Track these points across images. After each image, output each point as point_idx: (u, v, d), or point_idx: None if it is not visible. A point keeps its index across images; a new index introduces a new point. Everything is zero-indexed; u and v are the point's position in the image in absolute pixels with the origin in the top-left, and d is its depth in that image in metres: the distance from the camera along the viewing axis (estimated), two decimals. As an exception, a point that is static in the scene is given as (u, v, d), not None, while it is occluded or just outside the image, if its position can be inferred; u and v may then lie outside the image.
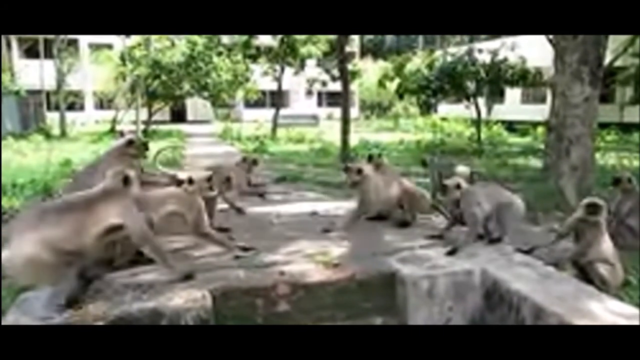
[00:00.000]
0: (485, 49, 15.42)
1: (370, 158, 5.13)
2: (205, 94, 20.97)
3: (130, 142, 4.07)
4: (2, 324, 2.69)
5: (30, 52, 29.45)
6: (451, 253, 3.80)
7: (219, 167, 5.02)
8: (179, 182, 3.64)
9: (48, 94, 25.60)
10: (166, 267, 3.19)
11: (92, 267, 3.16)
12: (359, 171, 4.54)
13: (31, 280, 2.86)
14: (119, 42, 22.69)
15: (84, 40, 30.90)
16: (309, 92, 32.11)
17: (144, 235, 3.06)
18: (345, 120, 11.54)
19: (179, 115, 34.67)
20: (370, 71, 34.44)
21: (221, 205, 4.88)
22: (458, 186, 4.12)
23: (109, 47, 26.49)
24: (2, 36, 24.85)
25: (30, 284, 2.93)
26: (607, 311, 2.82)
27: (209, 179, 3.73)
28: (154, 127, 21.46)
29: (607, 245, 3.73)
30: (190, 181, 3.60)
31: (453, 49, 18.09)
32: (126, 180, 3.05)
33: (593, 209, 3.72)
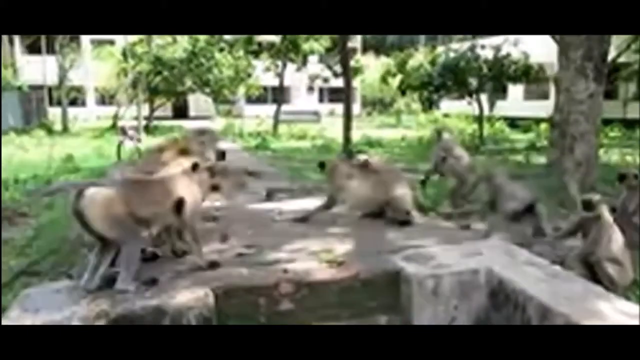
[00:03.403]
0: (488, 45, 15.34)
1: (350, 154, 5.13)
2: (207, 90, 20.99)
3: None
4: (3, 321, 2.67)
5: (33, 48, 29.39)
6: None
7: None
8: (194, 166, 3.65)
9: (50, 89, 25.62)
10: (197, 252, 3.39)
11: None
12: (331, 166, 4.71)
13: (101, 226, 2.89)
14: (120, 38, 22.71)
15: (86, 36, 30.83)
16: (311, 88, 32.09)
17: (193, 216, 3.38)
18: (348, 117, 11.50)
19: (180, 111, 34.66)
20: (372, 67, 34.31)
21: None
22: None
23: (111, 43, 26.50)
24: (4, 32, 24.84)
25: (97, 230, 2.92)
26: (616, 311, 2.78)
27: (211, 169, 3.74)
28: (155, 123, 21.45)
29: (616, 243, 3.69)
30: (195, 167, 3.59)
31: (455, 45, 17.99)
32: (195, 167, 3.48)
33: (587, 204, 3.73)
